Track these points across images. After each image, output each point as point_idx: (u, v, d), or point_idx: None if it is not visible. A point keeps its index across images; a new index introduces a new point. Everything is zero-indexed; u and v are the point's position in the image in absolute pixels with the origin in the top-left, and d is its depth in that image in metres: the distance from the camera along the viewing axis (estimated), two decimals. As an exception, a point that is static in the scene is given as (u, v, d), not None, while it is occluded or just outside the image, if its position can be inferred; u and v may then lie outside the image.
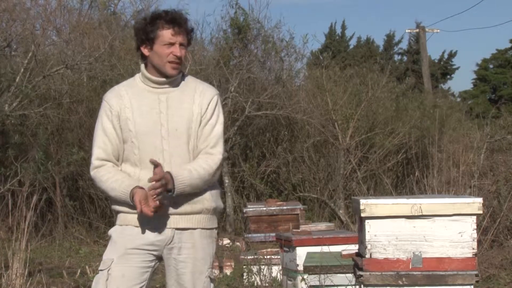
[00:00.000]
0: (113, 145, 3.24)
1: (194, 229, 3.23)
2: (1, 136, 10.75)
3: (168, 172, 3.12)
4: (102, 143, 3.25)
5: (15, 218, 6.61)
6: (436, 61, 30.46)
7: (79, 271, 7.92)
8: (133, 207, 3.15)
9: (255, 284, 6.84)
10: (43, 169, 9.14)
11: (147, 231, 3.19)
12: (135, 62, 12.14)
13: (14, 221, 6.70)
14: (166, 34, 3.20)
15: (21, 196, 6.72)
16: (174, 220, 3.20)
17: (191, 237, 3.23)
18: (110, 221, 11.69)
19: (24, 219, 6.18)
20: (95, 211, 11.87)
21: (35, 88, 10.94)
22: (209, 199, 3.25)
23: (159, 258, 3.27)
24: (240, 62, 12.75)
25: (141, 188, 3.11)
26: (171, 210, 3.19)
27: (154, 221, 3.16)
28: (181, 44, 3.22)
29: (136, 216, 3.19)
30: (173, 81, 3.27)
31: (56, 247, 10.00)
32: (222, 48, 13.16)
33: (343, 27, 29.89)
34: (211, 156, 3.22)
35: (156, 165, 3.10)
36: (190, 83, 3.32)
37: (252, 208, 9.42)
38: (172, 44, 3.20)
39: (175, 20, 3.21)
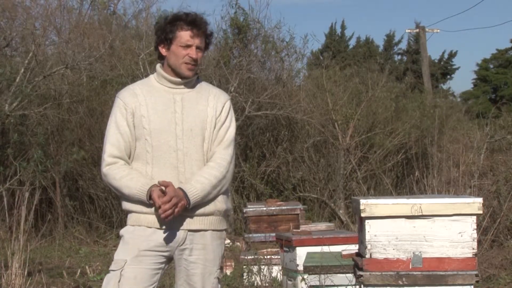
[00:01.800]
0: (126, 143, 3.24)
1: (206, 230, 3.26)
2: (1, 136, 10.76)
3: (180, 188, 3.14)
4: (116, 140, 3.24)
5: (15, 218, 6.61)
6: (436, 61, 30.46)
7: (79, 271, 7.92)
8: (147, 205, 3.18)
9: (255, 284, 6.83)
10: (42, 168, 9.14)
11: (158, 231, 3.21)
12: (135, 62, 12.15)
13: (13, 221, 6.70)
14: (184, 35, 3.22)
15: (20, 196, 6.71)
16: (187, 222, 3.22)
17: (202, 239, 3.25)
18: (110, 221, 11.70)
19: (23, 219, 6.18)
20: (95, 211, 11.87)
21: (35, 88, 10.94)
22: (221, 201, 3.29)
23: (169, 259, 3.28)
24: (240, 62, 12.74)
25: (158, 186, 3.13)
26: (184, 211, 3.19)
27: (167, 222, 3.18)
28: (198, 47, 3.24)
29: (148, 216, 3.20)
30: (189, 82, 3.30)
31: (56, 247, 10.00)
32: (222, 48, 13.15)
33: (343, 27, 29.91)
34: (223, 161, 3.25)
35: (166, 185, 3.11)
36: (204, 86, 3.37)
37: (252, 208, 9.42)
38: (189, 46, 3.23)
39: (195, 22, 3.23)
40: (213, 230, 3.28)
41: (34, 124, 11.15)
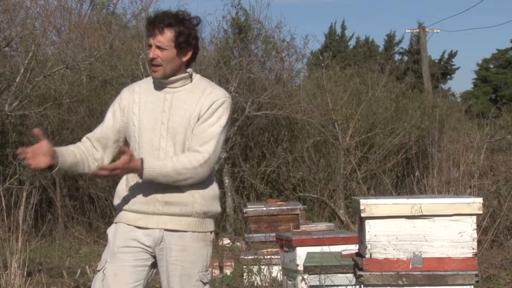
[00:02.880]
0: (102, 132, 3.30)
1: (185, 231, 3.20)
2: (0, 136, 10.75)
3: (141, 158, 3.10)
4: (97, 128, 3.35)
5: (14, 218, 6.61)
6: (436, 61, 30.48)
7: (79, 271, 7.92)
8: (128, 202, 3.20)
9: (255, 284, 6.83)
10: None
11: (136, 229, 3.19)
12: (135, 62, 12.15)
13: (14, 220, 6.70)
14: (148, 37, 3.23)
15: (20, 196, 6.71)
16: (163, 221, 3.18)
17: (181, 240, 3.20)
18: (110, 221, 11.61)
19: (21, 218, 6.18)
20: (95, 211, 11.87)
21: (35, 88, 10.93)
22: (200, 202, 3.20)
23: (155, 258, 3.25)
24: (240, 62, 12.74)
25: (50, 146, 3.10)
26: (160, 210, 3.18)
27: (144, 220, 3.17)
28: (158, 47, 3.18)
29: (127, 213, 3.21)
30: (177, 81, 3.26)
31: (56, 247, 9.99)
32: (223, 48, 13.15)
33: (343, 27, 29.93)
34: (196, 154, 3.14)
35: (124, 151, 3.09)
36: (200, 85, 3.29)
37: (252, 208, 9.42)
38: (150, 46, 3.21)
39: (151, 22, 3.20)
40: (193, 232, 3.21)
41: (34, 124, 11.14)
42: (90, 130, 12.98)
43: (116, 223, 3.26)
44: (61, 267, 8.24)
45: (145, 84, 3.33)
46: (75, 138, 11.82)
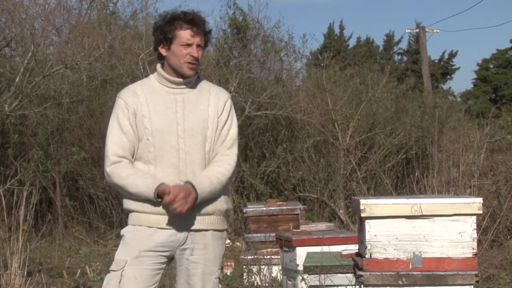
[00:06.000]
0: (129, 142, 3.23)
1: (207, 230, 3.26)
2: (0, 136, 10.75)
3: (189, 182, 3.14)
4: (119, 139, 3.22)
5: (15, 218, 6.61)
6: (436, 61, 30.48)
7: (79, 271, 7.92)
8: (151, 204, 3.17)
9: (255, 284, 6.84)
10: (43, 169, 9.13)
11: (159, 231, 3.20)
12: (135, 62, 12.14)
13: (14, 220, 6.70)
14: (184, 34, 3.23)
15: (20, 196, 6.71)
16: (188, 222, 3.22)
17: (203, 239, 3.25)
18: (110, 221, 11.71)
19: (22, 218, 6.18)
20: (95, 211, 11.88)
21: (35, 88, 10.93)
22: (222, 200, 3.28)
23: (170, 259, 3.28)
24: (240, 62, 12.73)
25: (166, 185, 3.12)
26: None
27: (169, 221, 3.18)
28: (198, 45, 3.25)
29: (149, 216, 3.20)
30: (189, 81, 3.31)
31: (56, 247, 10.00)
32: (222, 48, 13.14)
33: (341, 27, 29.94)
34: (228, 160, 3.26)
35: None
36: (205, 85, 3.38)
37: (252, 208, 9.40)
38: (189, 45, 3.23)
39: (194, 21, 3.24)
40: (214, 230, 3.28)
41: (34, 124, 11.14)
42: (90, 130, 12.82)
43: (133, 225, 3.24)
44: (61, 267, 8.25)
45: (146, 86, 3.32)
46: (75, 139, 11.84)
